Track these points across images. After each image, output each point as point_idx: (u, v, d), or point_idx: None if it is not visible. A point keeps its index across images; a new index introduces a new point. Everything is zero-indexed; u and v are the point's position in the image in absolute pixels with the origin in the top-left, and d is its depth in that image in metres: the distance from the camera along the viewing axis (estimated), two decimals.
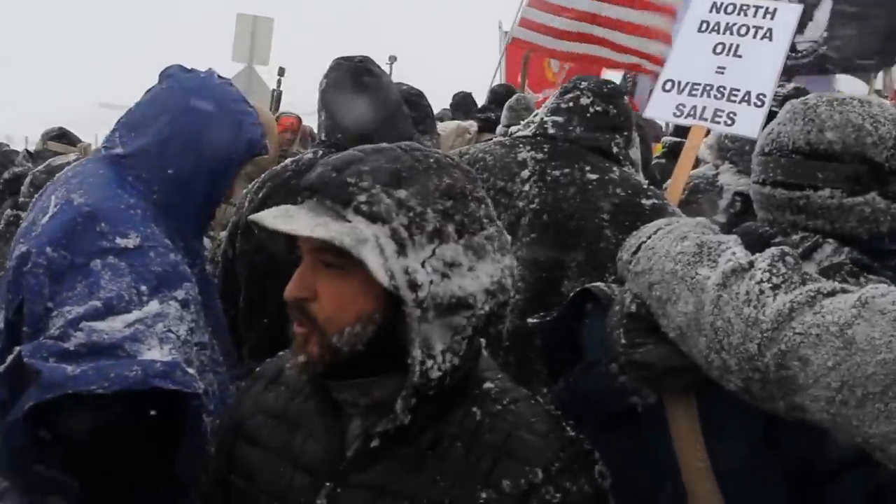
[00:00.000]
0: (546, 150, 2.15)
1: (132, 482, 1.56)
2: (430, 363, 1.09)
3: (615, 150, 2.17)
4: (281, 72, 6.34)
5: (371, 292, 1.10)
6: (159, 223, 1.67)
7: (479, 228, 1.13)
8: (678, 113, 2.96)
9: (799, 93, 3.14)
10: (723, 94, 2.89)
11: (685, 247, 1.22)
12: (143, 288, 1.53)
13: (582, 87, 2.22)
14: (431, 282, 1.08)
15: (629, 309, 1.29)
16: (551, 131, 2.18)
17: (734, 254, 1.18)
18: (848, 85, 7.29)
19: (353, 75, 2.38)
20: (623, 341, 1.27)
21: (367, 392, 1.16)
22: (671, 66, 3.06)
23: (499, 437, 1.12)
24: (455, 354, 1.11)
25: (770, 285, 1.12)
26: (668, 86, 2.98)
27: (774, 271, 1.13)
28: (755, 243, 1.26)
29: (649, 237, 1.30)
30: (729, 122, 2.87)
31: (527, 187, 2.10)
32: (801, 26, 5.50)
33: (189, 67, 1.85)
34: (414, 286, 1.07)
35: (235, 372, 1.91)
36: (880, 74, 7.62)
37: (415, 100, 3.17)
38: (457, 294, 1.09)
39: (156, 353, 1.44)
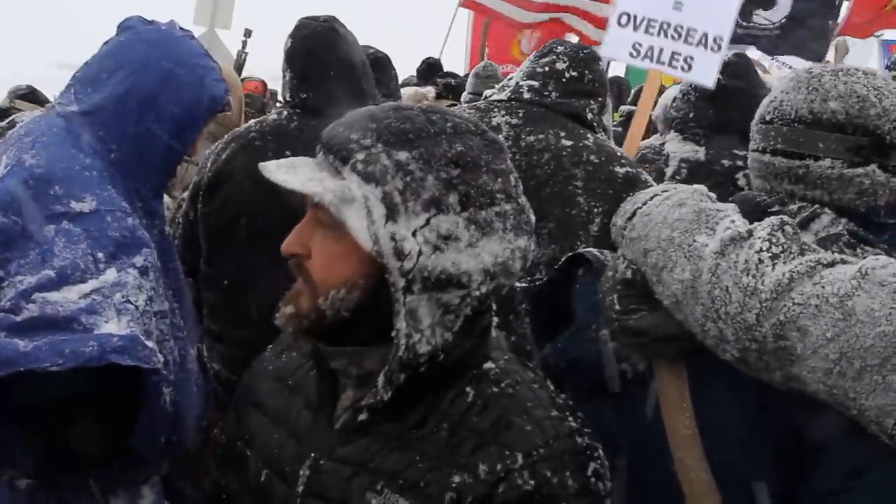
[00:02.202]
0: (521, 115, 2.05)
1: (89, 455, 1.45)
2: (417, 336, 0.98)
3: (589, 116, 2.09)
4: (247, 33, 5.99)
5: (357, 256, 0.99)
6: (116, 184, 1.51)
7: (488, 203, 0.99)
8: (634, 53, 2.81)
9: (740, 59, 3.06)
10: (680, 35, 2.75)
11: (683, 213, 1.17)
12: (100, 255, 1.37)
13: (558, 51, 2.12)
14: (420, 252, 0.95)
15: (623, 275, 1.23)
16: (526, 96, 2.08)
17: (733, 222, 1.13)
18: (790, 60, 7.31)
19: (319, 35, 2.23)
20: (617, 307, 1.22)
21: (357, 362, 1.06)
22: None
23: (487, 420, 1.00)
24: (447, 330, 1.00)
25: (769, 255, 1.07)
26: (624, 19, 2.80)
27: (774, 241, 1.08)
28: (752, 212, 1.20)
29: (645, 203, 1.24)
30: (686, 67, 2.75)
31: None
32: (769, 4, 5.43)
33: (149, 19, 1.68)
34: (400, 254, 0.95)
35: (195, 335, 1.78)
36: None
37: (380, 63, 3.05)
38: (448, 270, 0.97)
39: (113, 326, 1.30)
